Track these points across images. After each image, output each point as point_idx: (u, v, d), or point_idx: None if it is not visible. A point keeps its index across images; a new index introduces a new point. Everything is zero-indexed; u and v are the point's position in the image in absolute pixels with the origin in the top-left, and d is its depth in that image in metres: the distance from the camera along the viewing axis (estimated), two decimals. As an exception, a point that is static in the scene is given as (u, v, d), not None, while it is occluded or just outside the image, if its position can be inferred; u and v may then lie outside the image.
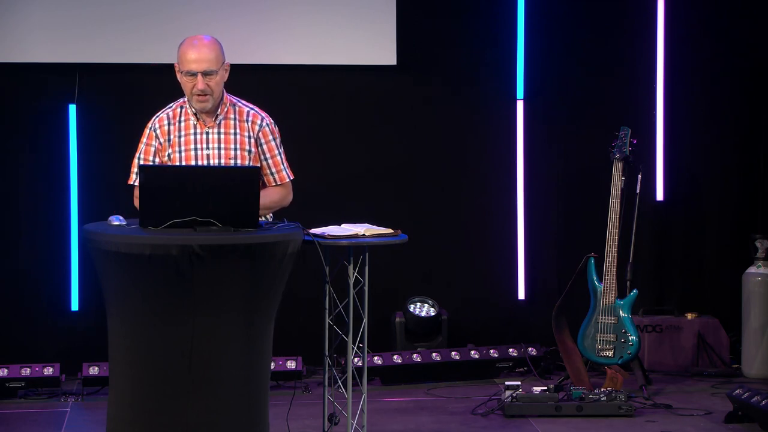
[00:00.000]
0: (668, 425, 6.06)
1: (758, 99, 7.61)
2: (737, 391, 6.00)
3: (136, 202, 4.94)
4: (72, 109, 7.10)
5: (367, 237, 4.93)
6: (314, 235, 4.84)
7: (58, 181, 7.13)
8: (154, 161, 5.00)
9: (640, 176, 7.03)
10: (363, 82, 7.38)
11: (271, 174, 5.10)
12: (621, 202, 6.81)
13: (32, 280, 7.14)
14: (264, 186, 5.10)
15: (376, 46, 7.26)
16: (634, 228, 6.96)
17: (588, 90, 7.53)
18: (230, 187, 4.50)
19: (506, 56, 7.46)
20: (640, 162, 7.04)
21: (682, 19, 7.52)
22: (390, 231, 5.00)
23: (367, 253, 5.03)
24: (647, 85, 7.52)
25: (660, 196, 7.56)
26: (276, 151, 5.10)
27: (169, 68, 7.33)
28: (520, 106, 7.49)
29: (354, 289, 5.01)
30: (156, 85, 7.19)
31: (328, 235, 4.88)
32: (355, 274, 5.00)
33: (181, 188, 4.46)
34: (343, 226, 5.07)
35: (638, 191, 7.01)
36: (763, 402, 5.77)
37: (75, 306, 7.13)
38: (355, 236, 4.92)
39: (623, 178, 6.84)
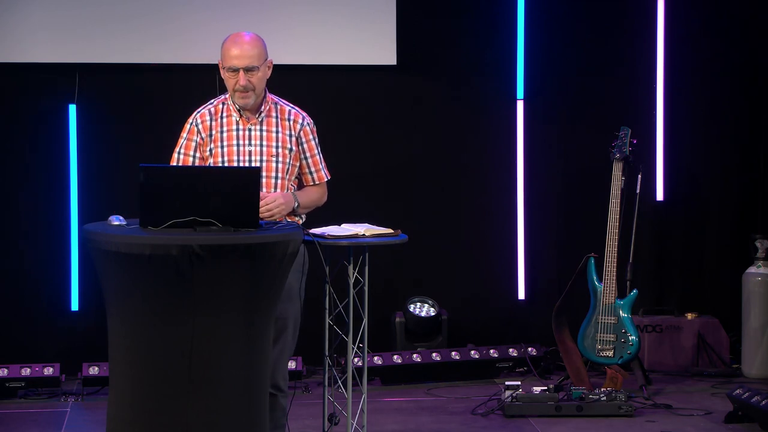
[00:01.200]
0: (668, 425, 6.06)
1: (758, 99, 7.62)
2: (737, 391, 6.00)
3: None
4: (72, 109, 7.10)
5: (367, 237, 4.93)
6: (314, 235, 4.84)
7: (58, 181, 7.13)
8: (194, 156, 5.00)
9: (640, 176, 7.03)
10: (363, 82, 7.39)
11: (310, 173, 5.12)
12: (621, 202, 6.81)
13: (32, 280, 7.14)
14: (302, 185, 5.12)
15: (376, 46, 7.26)
16: (634, 228, 6.96)
17: (588, 90, 7.54)
18: (230, 188, 4.50)
19: (506, 56, 7.46)
20: (640, 162, 7.05)
21: (682, 19, 7.52)
22: (390, 231, 5.00)
23: (367, 253, 5.03)
24: (647, 85, 7.52)
25: (660, 196, 7.56)
26: (315, 150, 5.14)
27: (170, 68, 7.35)
28: (520, 106, 7.49)
29: (354, 289, 5.01)
30: (156, 85, 7.21)
31: (328, 235, 4.88)
32: (355, 274, 5.00)
33: (181, 188, 4.46)
34: (343, 226, 5.07)
35: (638, 191, 7.01)
36: (763, 402, 5.77)
37: (75, 306, 7.13)
38: (355, 236, 4.92)
39: (623, 178, 6.84)
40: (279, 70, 7.27)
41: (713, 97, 7.61)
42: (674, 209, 7.62)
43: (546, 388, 6.32)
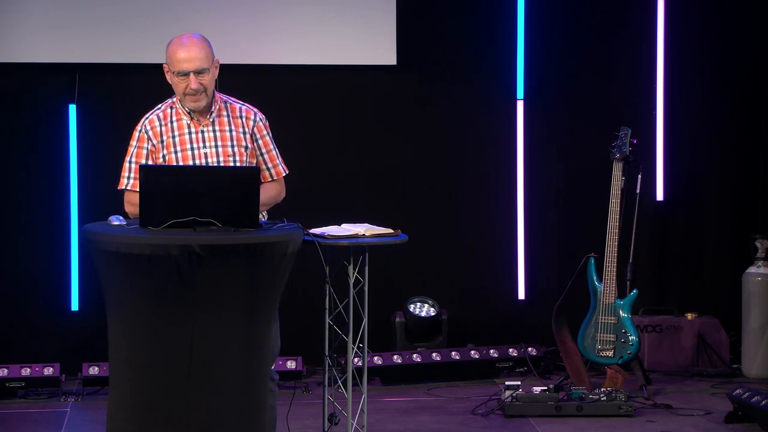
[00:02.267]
0: (668, 425, 6.06)
1: (758, 99, 7.62)
2: (737, 391, 6.00)
3: (128, 208, 4.89)
4: (72, 109, 7.10)
5: (367, 237, 4.93)
6: (314, 235, 4.84)
7: (58, 181, 7.13)
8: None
9: (640, 176, 7.03)
10: (363, 82, 7.39)
11: (268, 169, 5.03)
12: (621, 202, 6.81)
13: (32, 280, 7.14)
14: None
15: (376, 46, 7.26)
16: (634, 228, 6.96)
17: (588, 90, 7.54)
18: (230, 187, 4.49)
19: (506, 56, 7.46)
20: (640, 162, 7.05)
21: (682, 20, 7.52)
22: (390, 231, 5.00)
23: (367, 253, 5.02)
24: (647, 85, 7.52)
25: (660, 196, 7.56)
26: (271, 146, 5.04)
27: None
28: (520, 106, 7.49)
29: (354, 289, 5.01)
30: (156, 85, 7.18)
31: (328, 235, 4.87)
32: (355, 274, 5.00)
33: (181, 188, 4.45)
34: (343, 226, 5.07)
35: (638, 191, 7.01)
36: (763, 402, 5.77)
37: (75, 306, 7.13)
38: (355, 236, 4.92)
39: (623, 178, 6.84)
40: (279, 70, 7.31)
41: (713, 97, 7.61)
42: (674, 209, 7.62)
43: (546, 388, 6.32)
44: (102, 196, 7.02)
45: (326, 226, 5.03)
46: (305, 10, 7.19)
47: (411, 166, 7.45)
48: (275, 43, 7.17)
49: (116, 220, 4.61)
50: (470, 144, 7.49)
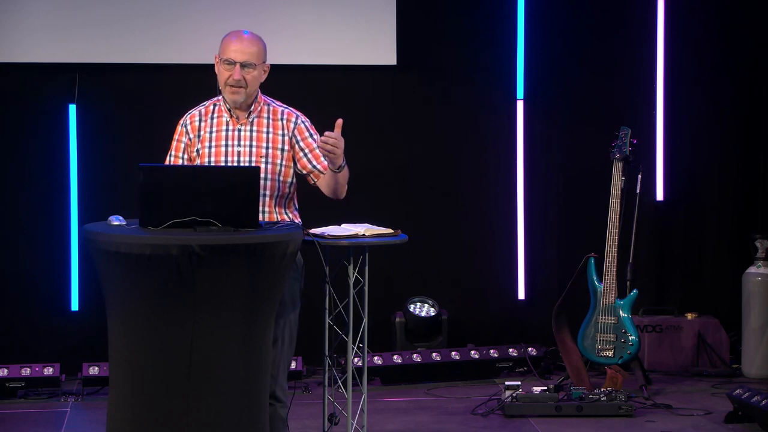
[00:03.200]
0: (668, 425, 6.06)
1: (758, 99, 7.62)
2: (737, 391, 6.00)
3: None
4: (72, 109, 7.10)
5: (367, 237, 4.93)
6: (314, 235, 4.84)
7: (58, 181, 7.13)
8: (183, 158, 4.97)
9: (640, 176, 7.03)
10: (363, 82, 7.39)
11: (314, 167, 4.99)
12: (621, 202, 6.81)
13: (32, 280, 7.14)
14: (312, 182, 5.02)
15: (376, 46, 7.26)
16: (634, 228, 6.96)
17: (588, 90, 7.54)
18: (230, 187, 4.49)
19: (506, 56, 7.46)
20: (640, 162, 7.05)
21: (682, 20, 7.52)
22: (390, 231, 4.99)
23: (367, 253, 5.02)
24: (647, 85, 7.52)
25: (660, 196, 7.56)
26: (314, 146, 4.99)
27: (170, 68, 7.34)
28: (520, 106, 7.49)
29: (354, 289, 5.01)
30: (156, 85, 7.21)
31: (328, 235, 4.87)
32: (355, 274, 5.00)
33: (181, 188, 4.46)
34: (343, 226, 5.07)
35: (638, 191, 7.01)
36: (763, 402, 5.77)
37: (75, 306, 7.13)
38: (355, 236, 4.92)
39: (623, 178, 6.84)
40: (279, 70, 7.25)
41: (713, 97, 7.61)
42: (674, 209, 7.62)
43: (546, 388, 6.32)
44: (102, 196, 7.04)
45: (326, 226, 5.03)
46: (305, 10, 7.20)
47: (411, 166, 7.46)
48: (275, 43, 7.12)
49: (116, 220, 4.61)
50: (470, 144, 7.50)
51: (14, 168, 7.14)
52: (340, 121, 4.83)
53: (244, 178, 4.53)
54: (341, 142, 4.82)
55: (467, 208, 7.50)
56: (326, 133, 4.81)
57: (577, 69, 7.52)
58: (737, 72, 7.60)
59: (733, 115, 7.64)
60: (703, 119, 7.63)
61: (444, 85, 7.47)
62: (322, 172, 5.00)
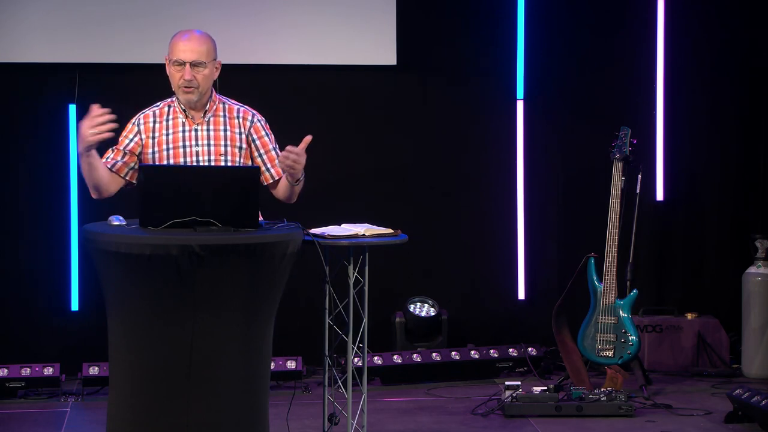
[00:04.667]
0: (668, 425, 6.06)
1: (758, 99, 7.62)
2: (737, 391, 6.00)
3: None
4: (72, 109, 7.10)
5: (367, 237, 4.93)
6: (314, 235, 4.84)
7: (58, 181, 7.13)
8: (124, 151, 4.93)
9: (640, 176, 7.03)
10: (363, 82, 7.39)
11: (267, 170, 5.01)
12: (621, 202, 6.81)
13: (32, 280, 7.14)
14: (264, 184, 5.05)
15: (376, 46, 7.26)
16: (634, 228, 6.96)
17: (588, 90, 7.54)
18: (230, 187, 4.50)
19: (506, 56, 7.46)
20: (640, 162, 7.04)
21: (682, 19, 7.52)
22: (390, 231, 5.00)
23: (367, 253, 5.02)
24: (647, 85, 7.52)
25: (660, 196, 7.56)
26: (270, 146, 5.02)
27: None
28: (520, 106, 7.49)
29: (354, 289, 5.01)
30: (156, 85, 7.18)
31: (328, 235, 4.87)
32: (355, 274, 5.00)
33: (181, 188, 4.46)
34: (343, 226, 5.07)
35: (638, 191, 7.01)
36: (763, 402, 5.77)
37: (75, 306, 7.13)
38: (355, 236, 4.92)
39: (623, 178, 6.84)
40: (279, 70, 7.31)
41: (713, 97, 7.61)
42: (674, 209, 7.62)
43: (546, 388, 6.32)
44: (102, 196, 7.03)
45: (326, 226, 5.03)
46: (305, 10, 7.19)
47: (411, 166, 7.45)
48: (275, 43, 7.16)
49: (116, 220, 4.62)
50: (470, 144, 7.49)
51: (14, 168, 7.14)
52: (308, 138, 4.79)
53: (244, 178, 4.54)
54: (303, 158, 4.79)
55: (467, 208, 7.50)
56: (288, 148, 4.78)
57: (577, 69, 7.52)
58: (737, 72, 7.60)
59: (733, 115, 7.64)
60: (703, 119, 7.63)
61: (444, 85, 7.47)
62: (274, 177, 5.01)
